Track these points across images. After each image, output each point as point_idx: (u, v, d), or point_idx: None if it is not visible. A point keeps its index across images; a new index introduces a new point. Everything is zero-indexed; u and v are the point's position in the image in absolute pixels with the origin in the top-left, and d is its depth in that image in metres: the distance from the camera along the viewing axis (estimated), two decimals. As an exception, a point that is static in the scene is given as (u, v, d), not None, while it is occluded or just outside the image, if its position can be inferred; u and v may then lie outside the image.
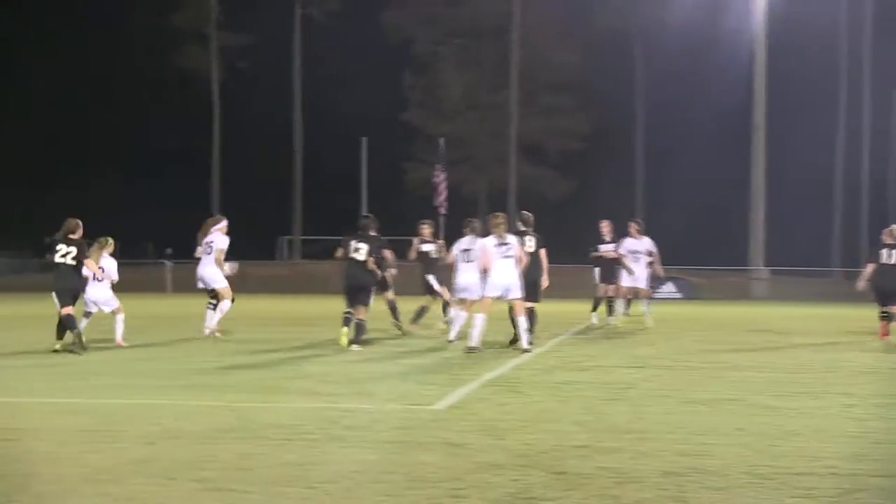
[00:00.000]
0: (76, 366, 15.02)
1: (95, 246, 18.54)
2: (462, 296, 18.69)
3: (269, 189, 70.83)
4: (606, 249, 24.26)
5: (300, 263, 62.44)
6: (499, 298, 17.31)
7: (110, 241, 18.91)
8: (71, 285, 17.25)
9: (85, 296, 18.23)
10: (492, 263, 17.11)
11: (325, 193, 67.63)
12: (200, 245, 19.98)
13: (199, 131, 70.09)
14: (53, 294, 17.24)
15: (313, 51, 69.25)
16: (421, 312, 21.65)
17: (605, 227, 24.51)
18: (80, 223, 17.60)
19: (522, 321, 17.28)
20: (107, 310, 18.61)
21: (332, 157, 68.08)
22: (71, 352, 16.68)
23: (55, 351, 16.86)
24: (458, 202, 54.09)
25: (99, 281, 18.44)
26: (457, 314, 18.93)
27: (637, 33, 69.69)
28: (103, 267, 18.48)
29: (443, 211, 47.27)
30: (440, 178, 48.87)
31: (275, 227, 68.95)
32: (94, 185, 70.66)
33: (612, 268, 24.19)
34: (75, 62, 69.54)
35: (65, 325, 17.06)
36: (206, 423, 9.76)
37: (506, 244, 17.20)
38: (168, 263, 55.46)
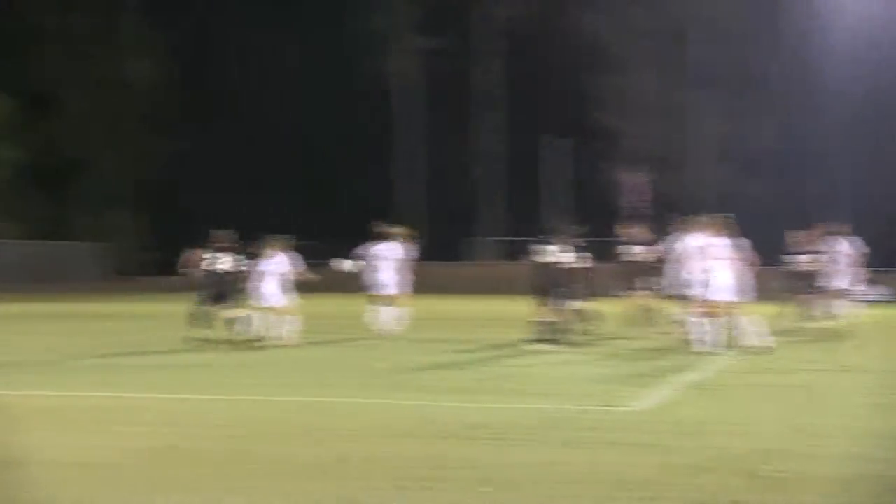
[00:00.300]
0: (274, 363, 15.39)
1: (271, 242, 19.26)
2: (688, 292, 18.29)
3: (454, 189, 71.28)
4: (803, 260, 23.55)
5: (487, 264, 62.67)
6: (713, 299, 17.05)
7: (284, 238, 19.47)
8: (220, 290, 18.89)
9: (252, 289, 19.05)
10: (704, 265, 16.97)
11: (509, 194, 67.74)
12: (369, 251, 20.47)
13: (387, 130, 71.11)
14: (207, 297, 18.86)
15: (506, 50, 69.51)
16: (647, 316, 21.27)
17: (803, 236, 23.75)
18: (227, 234, 19.36)
19: (743, 322, 17.02)
20: (274, 304, 19.09)
21: (517, 157, 68.21)
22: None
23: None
24: (649, 203, 53.41)
25: (274, 277, 19.08)
26: (685, 317, 18.42)
27: (825, 32, 67.66)
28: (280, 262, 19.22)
29: (634, 212, 46.78)
30: (631, 180, 48.40)
31: (460, 227, 69.39)
32: (290, 188, 72.57)
33: (809, 277, 23.45)
34: (271, 67, 71.51)
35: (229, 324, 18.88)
36: (400, 422, 9.85)
37: (718, 245, 17.03)
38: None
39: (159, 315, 27.77)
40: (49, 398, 11.67)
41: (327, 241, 67.18)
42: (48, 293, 43.66)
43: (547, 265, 17.82)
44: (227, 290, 18.76)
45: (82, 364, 15.60)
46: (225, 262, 18.73)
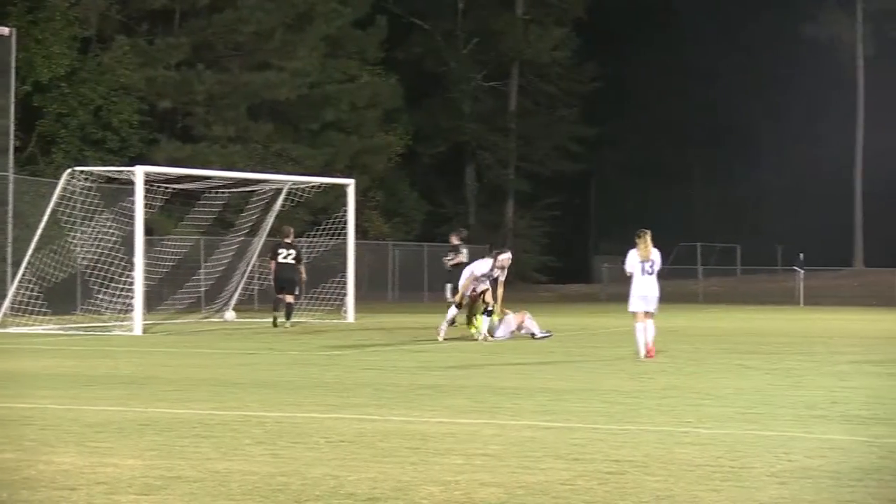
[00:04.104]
0: (686, 390, 15.40)
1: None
2: None
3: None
4: None
5: None
6: None
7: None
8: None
9: (635, 292, 20.18)
10: None
11: None
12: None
13: (840, 114, 69.52)
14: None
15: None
16: None
17: None
18: (292, 230, 31.60)
19: None
20: (651, 309, 20.27)
21: None
22: None
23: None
24: None
25: (649, 274, 20.11)
26: None
27: None
28: None
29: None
30: None
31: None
32: (713, 180, 72.55)
33: None
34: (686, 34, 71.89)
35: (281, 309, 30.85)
36: (847, 462, 9.62)
37: None
38: (800, 271, 55.48)
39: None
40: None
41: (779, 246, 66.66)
42: (435, 303, 45.40)
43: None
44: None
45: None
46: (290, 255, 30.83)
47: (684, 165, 77.06)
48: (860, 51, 69.49)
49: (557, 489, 8.44)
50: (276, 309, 31.37)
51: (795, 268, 55.98)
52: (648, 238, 20.14)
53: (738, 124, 75.44)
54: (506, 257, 24.85)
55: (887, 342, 23.12)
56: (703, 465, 9.48)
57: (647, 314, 20.23)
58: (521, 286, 68.90)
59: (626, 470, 9.22)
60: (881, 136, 68.42)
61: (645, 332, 20.21)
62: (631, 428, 11.68)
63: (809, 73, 70.14)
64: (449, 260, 30.31)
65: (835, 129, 70.20)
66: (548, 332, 25.92)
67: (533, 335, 25.52)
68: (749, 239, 72.93)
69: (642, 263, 20.14)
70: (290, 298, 30.97)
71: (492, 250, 26.43)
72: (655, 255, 20.26)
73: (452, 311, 25.40)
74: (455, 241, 31.27)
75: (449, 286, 30.46)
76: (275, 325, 30.65)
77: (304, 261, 31.53)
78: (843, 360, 20.34)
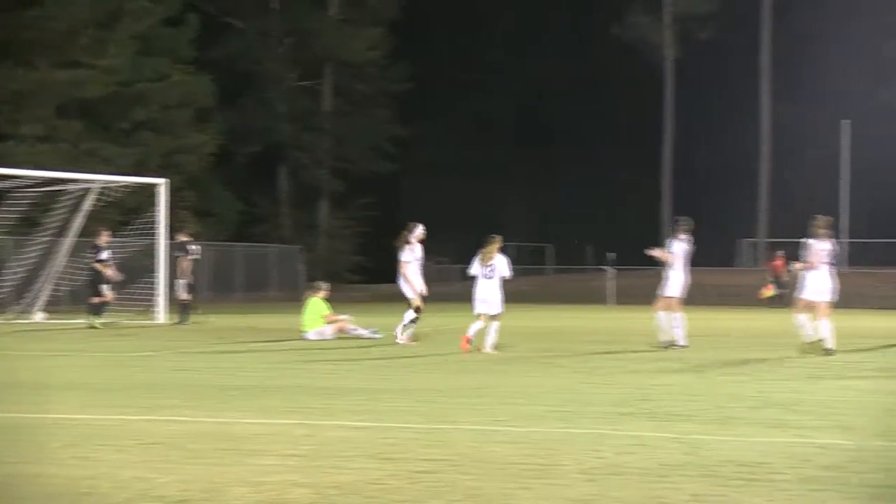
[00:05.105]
0: (499, 389, 15.55)
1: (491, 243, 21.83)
2: None
3: (730, 183, 70.58)
4: None
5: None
6: None
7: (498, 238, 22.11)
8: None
9: (475, 295, 21.84)
10: None
11: (799, 186, 66.56)
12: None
13: (648, 115, 70.88)
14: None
15: (784, 19, 68.41)
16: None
17: None
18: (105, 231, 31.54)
19: None
20: (492, 312, 21.72)
21: (807, 144, 66.88)
22: None
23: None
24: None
25: (488, 278, 21.65)
26: None
27: None
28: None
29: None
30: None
31: (735, 229, 68.52)
32: (524, 180, 73.41)
33: None
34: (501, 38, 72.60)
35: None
36: (654, 458, 9.81)
37: None
38: (610, 270, 56.45)
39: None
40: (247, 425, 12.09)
41: (587, 246, 67.35)
42: (249, 303, 45.04)
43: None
44: None
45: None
46: None
47: (495, 165, 77.75)
48: (668, 53, 70.95)
49: (368, 489, 8.46)
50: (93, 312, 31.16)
51: (605, 267, 56.98)
52: (494, 245, 21.80)
53: (549, 124, 76.46)
54: (418, 232, 24.21)
55: (695, 340, 23.61)
56: (514, 462, 9.58)
57: (491, 316, 21.84)
58: (334, 287, 68.81)
59: (438, 469, 9.27)
60: (689, 137, 70.02)
61: (477, 327, 21.86)
62: (444, 427, 11.74)
63: (619, 75, 71.45)
64: (183, 258, 32.86)
65: (645, 129, 71.63)
66: (375, 330, 25.76)
67: (360, 336, 25.50)
68: (559, 239, 73.92)
69: (483, 268, 21.71)
70: (94, 299, 30.94)
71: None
72: (499, 260, 21.72)
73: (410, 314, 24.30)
74: (182, 238, 33.24)
75: (182, 282, 32.79)
76: (96, 326, 30.23)
77: (104, 261, 31.27)
78: (652, 358, 20.73)
